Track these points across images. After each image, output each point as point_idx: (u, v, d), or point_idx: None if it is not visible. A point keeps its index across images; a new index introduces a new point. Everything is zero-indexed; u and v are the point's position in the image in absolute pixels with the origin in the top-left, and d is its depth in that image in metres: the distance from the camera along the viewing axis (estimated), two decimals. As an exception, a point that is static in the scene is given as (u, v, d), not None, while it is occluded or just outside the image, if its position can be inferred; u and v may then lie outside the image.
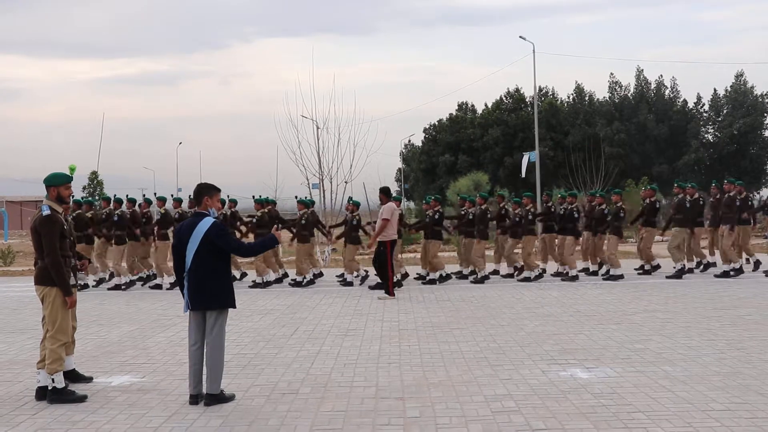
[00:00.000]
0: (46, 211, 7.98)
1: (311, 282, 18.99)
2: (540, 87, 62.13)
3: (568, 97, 65.76)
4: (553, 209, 20.26)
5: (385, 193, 16.99)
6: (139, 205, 20.61)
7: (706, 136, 63.68)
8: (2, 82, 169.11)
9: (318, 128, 34.59)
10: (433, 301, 15.36)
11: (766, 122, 61.87)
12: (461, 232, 20.31)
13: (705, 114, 64.57)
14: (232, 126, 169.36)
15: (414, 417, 7.16)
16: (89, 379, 8.96)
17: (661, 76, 65.65)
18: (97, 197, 22.41)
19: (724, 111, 63.21)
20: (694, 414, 7.03)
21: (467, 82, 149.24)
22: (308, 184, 34.18)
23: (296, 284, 18.81)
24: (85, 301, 16.58)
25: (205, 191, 7.98)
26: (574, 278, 18.46)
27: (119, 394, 8.36)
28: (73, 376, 8.77)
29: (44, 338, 8.25)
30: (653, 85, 64.13)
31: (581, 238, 19.68)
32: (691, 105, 64.27)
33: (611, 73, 67.43)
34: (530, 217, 19.32)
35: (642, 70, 65.06)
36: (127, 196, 21.17)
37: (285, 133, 46.62)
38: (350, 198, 20.15)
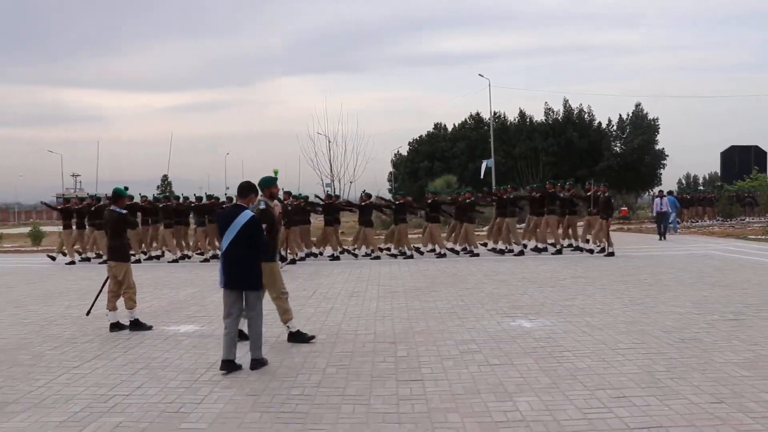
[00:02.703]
0: (263, 206, 7.76)
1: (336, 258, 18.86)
2: (494, 111, 61.87)
3: (515, 119, 65.45)
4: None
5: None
6: (185, 199, 20.74)
7: (615, 148, 63.56)
8: (95, 110, 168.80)
9: (330, 142, 34.64)
10: (416, 271, 15.35)
11: (656, 138, 61.97)
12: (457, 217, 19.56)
13: (614, 132, 64.38)
14: (265, 141, 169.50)
15: (402, 356, 7.16)
16: (150, 327, 9.00)
17: (581, 104, 65.70)
18: (167, 194, 22.60)
19: (627, 130, 63.08)
20: (606, 351, 7.05)
21: (440, 107, 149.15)
22: (323, 183, 34.19)
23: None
24: (159, 269, 16.54)
25: (252, 190, 7.20)
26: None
27: (185, 338, 8.35)
28: (137, 324, 8.96)
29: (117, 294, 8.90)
30: (576, 111, 64.09)
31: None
32: (604, 125, 64.25)
33: (546, 102, 67.66)
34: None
35: (568, 99, 64.95)
36: (182, 194, 21.29)
37: (305, 146, 46.15)
38: (364, 191, 20.00)
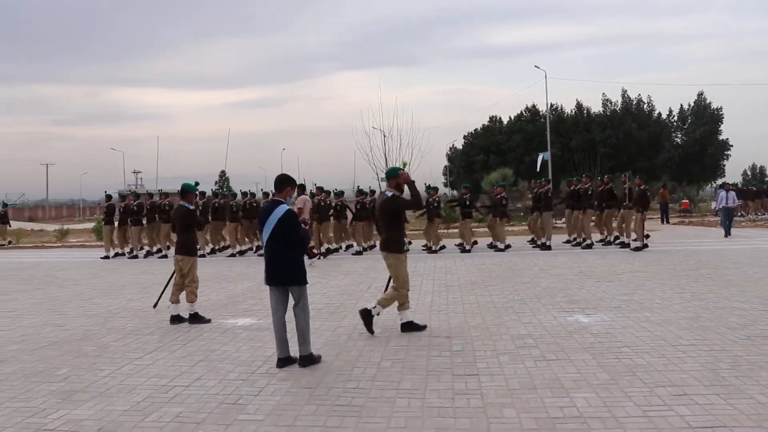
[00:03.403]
0: (390, 194, 7.95)
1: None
2: (550, 103, 61.05)
3: (571, 111, 64.50)
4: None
5: (301, 188, 16.84)
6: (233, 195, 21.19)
7: (675, 139, 62.05)
8: (154, 108, 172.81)
9: (385, 136, 34.62)
10: (471, 265, 15.27)
11: (720, 128, 60.16)
12: (535, 209, 19.57)
13: (674, 123, 62.90)
14: (321, 136, 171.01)
15: (458, 350, 7.13)
16: (208, 320, 9.15)
17: (640, 94, 64.32)
18: (226, 190, 23.12)
19: (689, 120, 61.58)
20: (666, 348, 6.88)
21: (496, 100, 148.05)
22: (378, 177, 34.22)
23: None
24: (218, 264, 16.83)
25: (287, 182, 6.96)
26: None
27: (243, 331, 8.49)
28: (197, 317, 9.14)
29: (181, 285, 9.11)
30: (635, 102, 62.72)
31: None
32: (664, 116, 62.76)
33: (603, 93, 66.23)
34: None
35: (626, 90, 63.89)
36: (230, 189, 21.66)
37: (360, 140, 46.46)
38: (428, 185, 19.93)
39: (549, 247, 18.20)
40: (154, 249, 20.21)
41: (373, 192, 20.39)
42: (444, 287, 11.70)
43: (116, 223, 20.50)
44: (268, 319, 9.11)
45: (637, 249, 17.09)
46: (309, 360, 6.64)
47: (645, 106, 62.80)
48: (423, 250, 19.05)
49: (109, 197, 21.24)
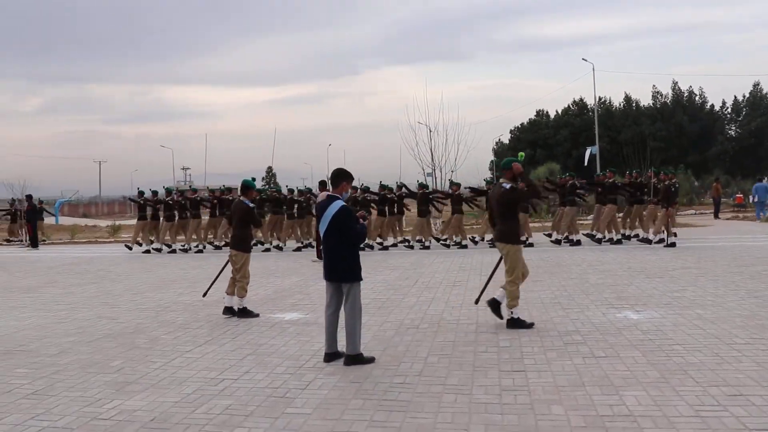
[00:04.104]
0: (508, 186, 8.05)
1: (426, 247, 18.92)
2: (598, 96, 60.19)
3: (620, 104, 63.44)
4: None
5: (322, 184, 17.00)
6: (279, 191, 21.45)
7: (729, 132, 60.52)
8: (202, 106, 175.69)
9: (430, 131, 34.50)
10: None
11: (777, 120, 58.46)
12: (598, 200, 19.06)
13: (728, 115, 61.35)
14: (366, 132, 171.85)
15: (505, 346, 7.09)
16: (257, 315, 9.23)
17: (691, 86, 62.87)
18: (272, 186, 23.52)
19: (744, 112, 59.97)
20: (720, 346, 6.72)
21: (542, 94, 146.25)
22: (424, 173, 34.17)
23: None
24: (265, 260, 17.03)
25: (343, 177, 6.86)
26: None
27: (290, 325, 8.57)
28: (245, 311, 9.21)
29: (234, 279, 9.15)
30: (686, 94, 61.31)
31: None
32: (717, 108, 61.22)
33: (653, 85, 64.97)
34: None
35: (677, 82, 62.46)
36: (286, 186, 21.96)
37: (406, 135, 46.37)
38: (451, 180, 19.89)
39: (578, 242, 18.03)
40: (191, 245, 20.67)
41: (400, 186, 20.18)
42: (491, 282, 11.59)
43: (147, 218, 21.18)
44: (315, 314, 9.22)
45: (667, 244, 16.70)
46: (355, 360, 6.53)
47: (697, 98, 61.39)
48: (449, 245, 19.03)
49: (141, 193, 21.77)
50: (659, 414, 4.87)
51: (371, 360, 6.63)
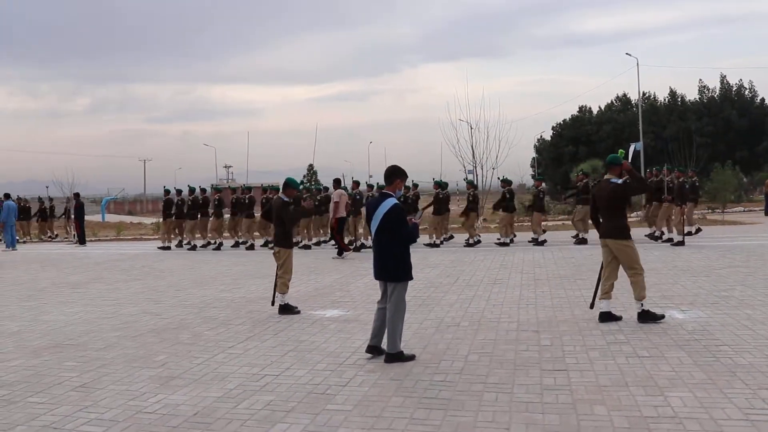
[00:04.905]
0: (619, 181, 8.11)
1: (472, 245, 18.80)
2: (643, 92, 59.01)
3: (665, 99, 62.20)
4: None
5: (336, 182, 17.29)
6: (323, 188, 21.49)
7: (780, 126, 58.92)
8: (248, 104, 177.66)
9: (472, 129, 34.22)
10: (561, 258, 14.98)
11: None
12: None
13: (780, 109, 59.72)
14: (406, 129, 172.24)
15: (546, 345, 7.03)
16: (298, 311, 9.26)
17: (741, 79, 61.27)
18: (313, 184, 23.89)
19: (797, 106, 58.35)
20: (770, 348, 6.57)
21: (585, 89, 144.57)
22: (465, 170, 33.96)
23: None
24: (306, 256, 17.15)
25: (397, 174, 6.75)
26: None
27: (331, 322, 8.63)
28: (287, 308, 9.26)
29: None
30: (735, 88, 59.82)
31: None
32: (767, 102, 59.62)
33: (700, 79, 63.47)
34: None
35: (725, 75, 60.99)
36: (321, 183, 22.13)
37: (447, 133, 46.11)
38: (466, 178, 19.69)
39: (584, 241, 17.72)
40: (212, 241, 20.86)
41: (446, 185, 19.99)
42: (533, 281, 11.54)
43: (173, 217, 21.36)
44: (355, 311, 9.26)
45: (678, 243, 16.31)
46: (395, 358, 6.50)
47: (746, 91, 59.83)
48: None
49: (167, 192, 22.14)
50: (706, 416, 4.78)
51: (411, 357, 6.61)
